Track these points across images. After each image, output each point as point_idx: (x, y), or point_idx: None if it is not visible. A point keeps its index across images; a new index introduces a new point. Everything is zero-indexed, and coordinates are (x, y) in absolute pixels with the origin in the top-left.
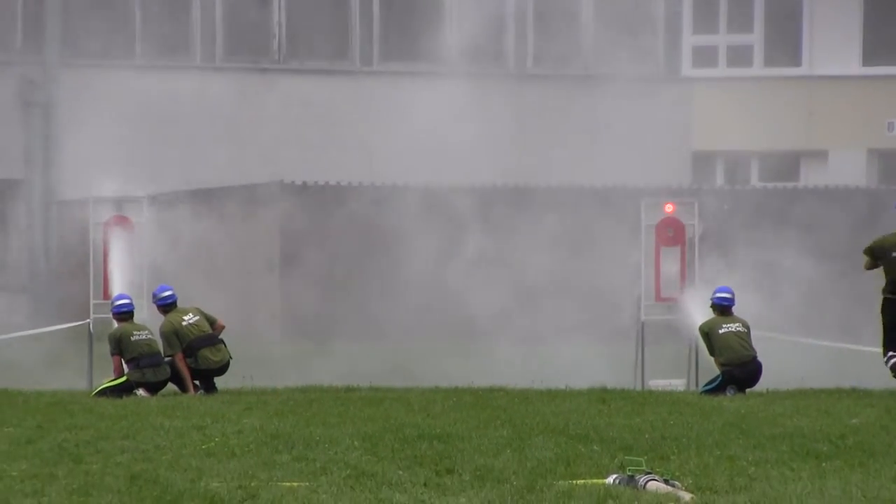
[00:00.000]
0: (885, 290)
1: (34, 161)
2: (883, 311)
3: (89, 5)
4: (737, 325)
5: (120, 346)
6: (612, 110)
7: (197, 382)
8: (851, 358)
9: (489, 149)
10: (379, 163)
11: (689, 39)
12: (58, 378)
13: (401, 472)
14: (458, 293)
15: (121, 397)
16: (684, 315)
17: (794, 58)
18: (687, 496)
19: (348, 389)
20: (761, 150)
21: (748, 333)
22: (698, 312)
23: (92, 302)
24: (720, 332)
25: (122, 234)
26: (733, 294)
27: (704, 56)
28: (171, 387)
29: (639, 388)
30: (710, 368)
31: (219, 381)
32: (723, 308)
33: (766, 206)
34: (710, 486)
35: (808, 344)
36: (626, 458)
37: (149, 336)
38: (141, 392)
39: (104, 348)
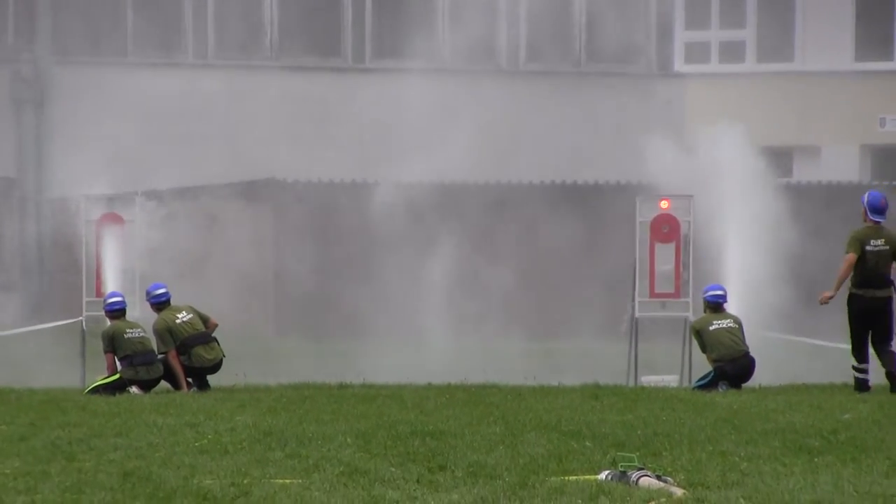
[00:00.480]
0: (853, 285)
1: (26, 159)
2: (849, 305)
3: (81, 3)
4: (728, 321)
5: (113, 343)
6: (604, 106)
7: (190, 380)
8: (846, 355)
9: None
10: (371, 160)
11: (682, 35)
12: (50, 375)
13: (393, 469)
14: (451, 290)
15: (114, 395)
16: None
17: (787, 53)
18: (679, 492)
19: (341, 386)
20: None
21: (740, 329)
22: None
23: (84, 299)
24: (711, 328)
25: (114, 232)
26: (725, 291)
27: (697, 52)
28: (164, 384)
29: (631, 384)
30: (703, 364)
31: (212, 379)
32: (714, 305)
33: None
34: (703, 482)
35: (802, 342)
36: (619, 454)
37: (142, 334)
38: (134, 389)
39: (97, 346)
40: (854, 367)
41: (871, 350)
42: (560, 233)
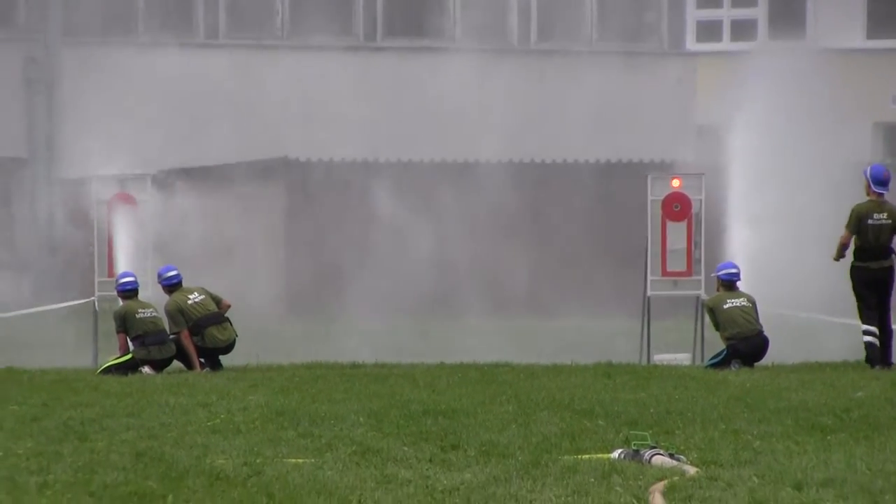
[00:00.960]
0: (855, 258)
1: (37, 139)
2: (852, 277)
3: None
4: (742, 300)
5: (125, 323)
6: (615, 85)
7: (202, 360)
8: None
9: (494, 124)
10: (383, 139)
11: (693, 14)
12: (63, 356)
13: (406, 448)
14: (463, 269)
15: (126, 375)
16: None
17: (799, 31)
18: (692, 470)
19: (354, 366)
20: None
21: (754, 308)
22: None
23: (96, 280)
24: (725, 307)
25: (125, 212)
26: (738, 269)
27: (708, 30)
28: (176, 364)
29: (644, 362)
30: (716, 343)
31: (224, 359)
32: (728, 283)
33: None
34: (716, 460)
35: (818, 319)
36: (632, 432)
37: (154, 314)
38: (146, 370)
39: (109, 326)
40: (865, 332)
41: None
42: (571, 211)
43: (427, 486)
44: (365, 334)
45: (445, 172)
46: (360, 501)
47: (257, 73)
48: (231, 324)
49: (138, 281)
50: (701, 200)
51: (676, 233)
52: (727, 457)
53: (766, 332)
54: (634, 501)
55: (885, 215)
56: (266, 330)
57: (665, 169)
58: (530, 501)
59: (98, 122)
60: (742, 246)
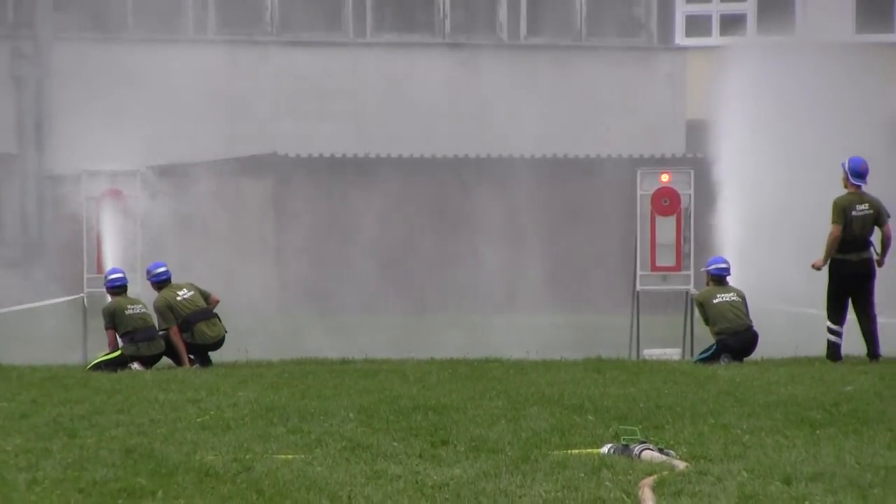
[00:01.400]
0: (837, 251)
1: (26, 135)
2: (831, 271)
3: None
4: (731, 294)
5: (114, 319)
6: (605, 80)
7: (192, 356)
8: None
9: (483, 120)
10: (373, 135)
11: (682, 8)
12: (52, 352)
13: (396, 444)
14: (453, 265)
15: (115, 371)
16: None
17: (788, 26)
18: (681, 465)
19: (343, 362)
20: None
21: (743, 303)
22: None
23: (86, 276)
24: (714, 301)
25: (115, 208)
26: (728, 264)
27: (697, 25)
28: (165, 360)
29: (634, 357)
30: (705, 337)
31: (213, 355)
32: (718, 278)
33: None
34: (705, 455)
35: (808, 314)
36: (621, 427)
37: (143, 310)
38: (135, 366)
39: (98, 322)
40: (829, 330)
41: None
42: (560, 207)
43: (417, 482)
44: (352, 330)
45: (434, 168)
46: (349, 497)
47: (247, 69)
48: (220, 320)
49: (127, 277)
50: (690, 195)
51: (666, 228)
52: (716, 451)
53: (756, 327)
54: (624, 496)
55: (866, 206)
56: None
57: (654, 164)
58: (520, 497)
59: (87, 118)
60: (732, 240)
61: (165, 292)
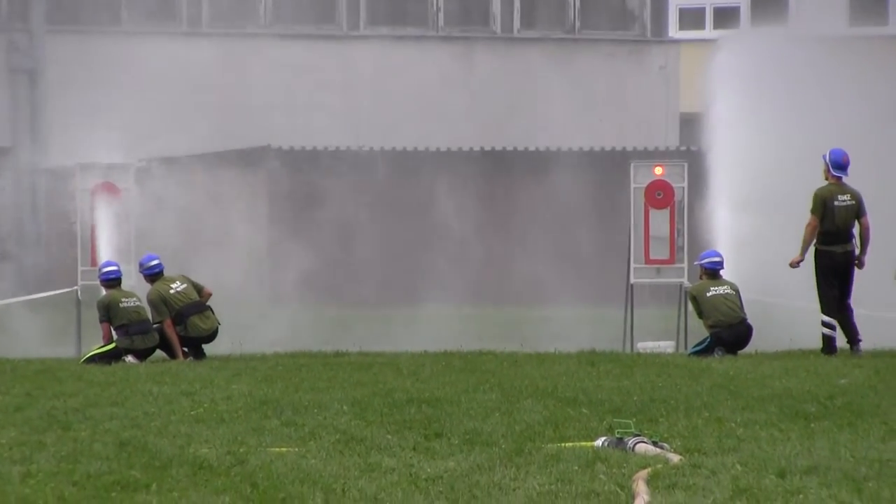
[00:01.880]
0: (820, 242)
1: (20, 128)
2: (816, 263)
3: None
4: (725, 287)
5: (109, 312)
6: (599, 73)
7: (186, 349)
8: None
9: (476, 112)
10: (366, 127)
11: (676, 1)
12: (46, 345)
13: (390, 437)
14: (446, 257)
15: (109, 364)
16: None
17: (781, 18)
18: (675, 458)
19: (337, 354)
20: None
21: (737, 296)
22: None
23: (80, 269)
24: (708, 295)
25: (109, 201)
26: (722, 257)
27: (691, 18)
28: (159, 353)
29: (628, 350)
30: (699, 330)
31: (207, 348)
32: (711, 272)
33: None
34: (699, 448)
35: (802, 307)
36: (615, 420)
37: (137, 303)
38: (129, 359)
39: (92, 315)
40: (823, 323)
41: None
42: (554, 199)
43: (411, 475)
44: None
45: (428, 160)
46: (343, 490)
47: (240, 62)
48: (213, 312)
49: (121, 270)
50: (684, 188)
51: (659, 220)
52: (711, 444)
53: (750, 320)
54: (618, 489)
55: (848, 197)
56: (249, 318)
57: (648, 156)
58: (514, 489)
59: (81, 111)
60: (725, 233)
61: (158, 285)
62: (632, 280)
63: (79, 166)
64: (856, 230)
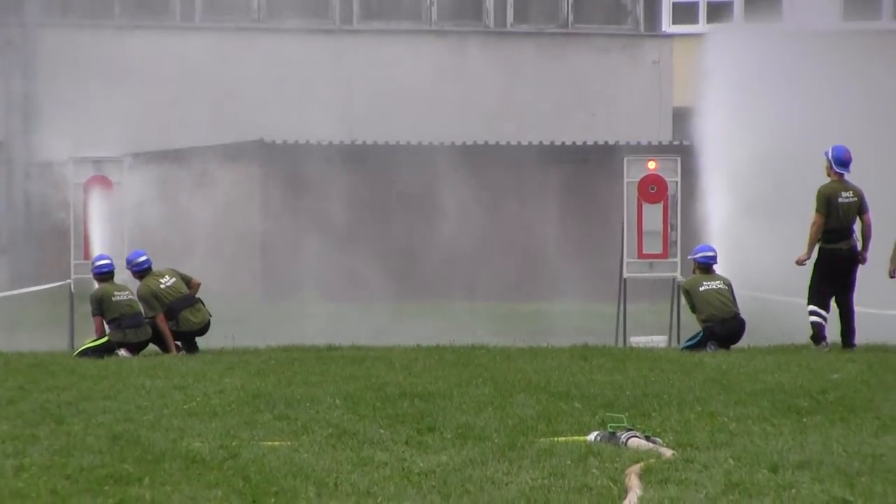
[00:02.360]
0: (824, 241)
1: (13, 122)
2: (820, 259)
3: None
4: (718, 282)
5: (101, 306)
6: (592, 67)
7: (178, 343)
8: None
9: (469, 106)
10: (359, 121)
11: None
12: (39, 339)
13: (382, 431)
14: (440, 252)
15: (102, 358)
16: None
17: (775, 13)
18: (668, 452)
19: (330, 349)
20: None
21: (730, 291)
22: None
23: (72, 262)
24: (701, 289)
25: (101, 195)
26: (715, 252)
27: (684, 12)
28: (152, 347)
29: (620, 345)
30: (692, 325)
31: (200, 342)
32: (704, 266)
33: None
34: (692, 442)
35: (795, 302)
36: (608, 414)
37: (130, 296)
38: (122, 352)
39: (85, 309)
40: (810, 312)
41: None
42: (546, 194)
43: (403, 469)
44: (338, 317)
45: (420, 155)
46: (336, 484)
47: (233, 56)
48: (204, 304)
49: (114, 263)
50: (677, 182)
51: (652, 215)
52: (703, 439)
53: (743, 315)
54: (611, 484)
55: (850, 193)
56: (242, 313)
57: (641, 151)
58: (506, 484)
59: (74, 105)
60: (718, 228)
61: (148, 280)
62: (625, 274)
63: (72, 160)
64: (856, 226)
